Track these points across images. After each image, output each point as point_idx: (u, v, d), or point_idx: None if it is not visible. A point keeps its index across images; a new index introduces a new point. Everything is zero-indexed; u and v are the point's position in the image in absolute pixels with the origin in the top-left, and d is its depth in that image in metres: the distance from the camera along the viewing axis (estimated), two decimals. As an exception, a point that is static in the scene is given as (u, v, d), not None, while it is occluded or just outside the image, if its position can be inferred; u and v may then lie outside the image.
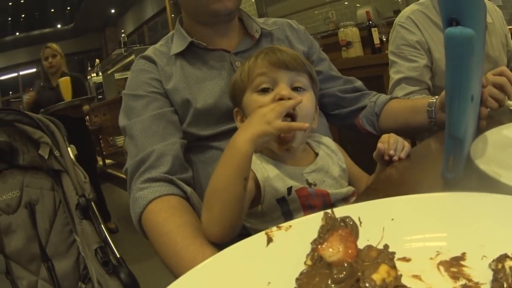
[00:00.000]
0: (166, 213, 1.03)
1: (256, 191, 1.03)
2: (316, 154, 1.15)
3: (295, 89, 1.06)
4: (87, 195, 1.54)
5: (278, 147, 1.05)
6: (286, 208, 1.04)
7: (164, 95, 1.26)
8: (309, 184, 1.06)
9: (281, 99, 1.00)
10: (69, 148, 1.63)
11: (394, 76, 2.00)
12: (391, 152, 1.05)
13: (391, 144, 1.06)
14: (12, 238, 1.57)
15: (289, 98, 0.99)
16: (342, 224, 0.54)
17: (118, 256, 1.44)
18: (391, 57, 2.05)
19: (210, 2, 1.23)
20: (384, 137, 1.10)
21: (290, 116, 1.00)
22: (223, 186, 0.87)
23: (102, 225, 1.52)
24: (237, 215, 0.89)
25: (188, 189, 1.12)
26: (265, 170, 1.05)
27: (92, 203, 1.55)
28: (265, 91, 1.05)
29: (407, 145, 1.08)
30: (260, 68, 1.06)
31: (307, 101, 1.06)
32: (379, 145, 1.08)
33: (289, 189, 1.03)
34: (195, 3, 1.27)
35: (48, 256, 1.59)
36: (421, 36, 1.95)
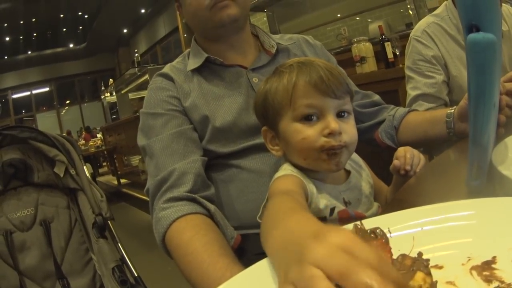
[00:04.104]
0: (191, 232, 1.01)
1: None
2: (348, 172, 1.11)
3: (340, 115, 0.98)
4: (104, 214, 1.54)
5: (328, 164, 0.97)
6: None
7: (183, 112, 1.26)
8: (345, 203, 1.03)
9: (330, 133, 0.93)
10: (85, 167, 1.63)
11: (411, 92, 1.97)
12: (408, 167, 1.04)
13: (408, 159, 1.05)
14: (26, 255, 1.57)
15: (340, 133, 0.94)
16: (372, 235, 0.53)
17: (136, 275, 1.44)
18: (407, 72, 2.01)
19: (213, 13, 1.23)
20: (400, 151, 1.08)
21: (340, 147, 0.95)
22: None
23: (119, 244, 1.52)
24: None
25: (212, 207, 1.10)
26: (311, 188, 0.99)
27: (109, 221, 1.55)
28: (308, 118, 0.96)
29: (423, 158, 1.08)
30: (304, 94, 0.96)
31: (352, 126, 1.01)
32: (395, 162, 1.07)
33: (332, 210, 0.99)
34: (200, 18, 1.28)
35: (63, 274, 1.58)
36: (437, 51, 1.91)
